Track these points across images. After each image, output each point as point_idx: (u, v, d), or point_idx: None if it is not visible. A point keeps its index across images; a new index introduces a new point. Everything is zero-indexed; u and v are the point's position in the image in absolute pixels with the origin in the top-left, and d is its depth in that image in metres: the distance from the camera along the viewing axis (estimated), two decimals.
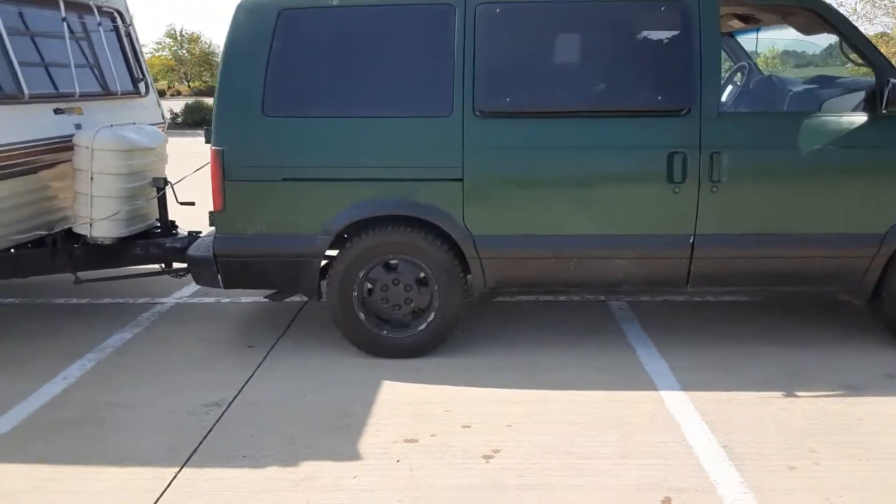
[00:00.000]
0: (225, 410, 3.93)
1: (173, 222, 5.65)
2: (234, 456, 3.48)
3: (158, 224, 5.64)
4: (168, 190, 5.48)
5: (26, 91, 4.97)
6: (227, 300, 5.89)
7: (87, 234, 5.22)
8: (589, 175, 4.36)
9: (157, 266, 5.53)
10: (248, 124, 4.39)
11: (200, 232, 5.56)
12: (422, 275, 4.50)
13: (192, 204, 5.72)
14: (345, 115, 4.38)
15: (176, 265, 5.51)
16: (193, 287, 6.12)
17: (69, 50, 5.59)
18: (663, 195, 4.31)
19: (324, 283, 4.59)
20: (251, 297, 5.88)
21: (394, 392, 4.16)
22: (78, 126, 5.46)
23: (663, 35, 4.33)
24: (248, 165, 4.41)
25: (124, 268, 5.58)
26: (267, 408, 3.99)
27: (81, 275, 5.31)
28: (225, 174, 4.40)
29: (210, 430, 3.72)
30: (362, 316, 4.56)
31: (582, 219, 4.38)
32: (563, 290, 4.65)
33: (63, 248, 5.24)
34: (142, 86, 6.58)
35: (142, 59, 6.68)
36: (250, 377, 4.37)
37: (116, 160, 5.14)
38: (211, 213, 4.52)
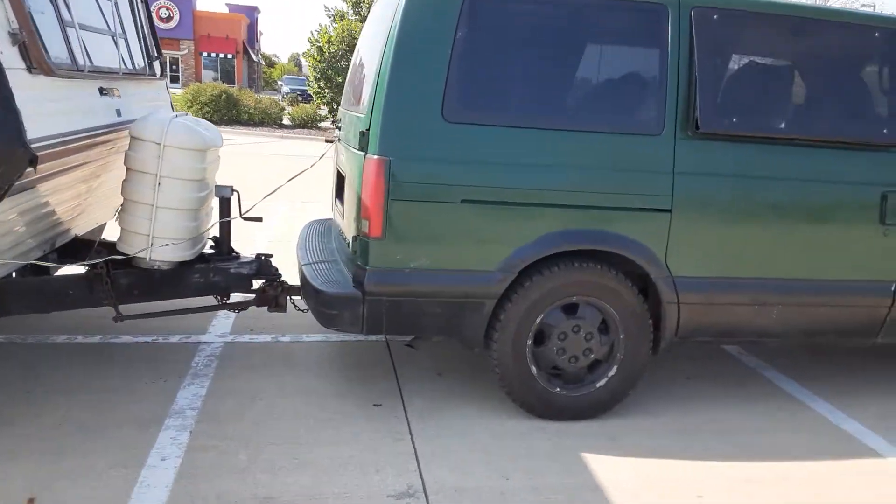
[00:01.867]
0: None
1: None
2: None
3: (213, 245, 4.47)
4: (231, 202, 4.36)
5: (83, 62, 3.69)
6: (285, 338, 4.78)
7: (136, 256, 3.99)
8: (806, 211, 3.87)
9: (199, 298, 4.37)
10: (423, 131, 3.46)
11: (271, 255, 4.47)
12: (603, 321, 3.80)
13: (260, 220, 4.61)
14: (541, 125, 3.57)
15: (236, 296, 4.40)
16: (224, 320, 4.95)
17: (108, 13, 4.29)
18: (874, 237, 3.92)
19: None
20: (314, 335, 4.83)
21: (616, 470, 3.40)
22: (118, 112, 4.20)
23: None
24: (421, 182, 3.47)
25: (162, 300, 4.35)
26: (482, 497, 3.12)
27: (123, 308, 4.05)
28: (390, 192, 3.45)
29: None
30: (534, 370, 3.77)
31: (794, 261, 3.87)
32: (755, 341, 4.12)
33: (106, 275, 3.95)
34: (156, 66, 5.29)
35: (156, 35, 5.38)
36: (415, 451, 3.43)
37: (192, 161, 3.95)
38: (359, 239, 3.54)
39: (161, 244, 3.95)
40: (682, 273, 3.76)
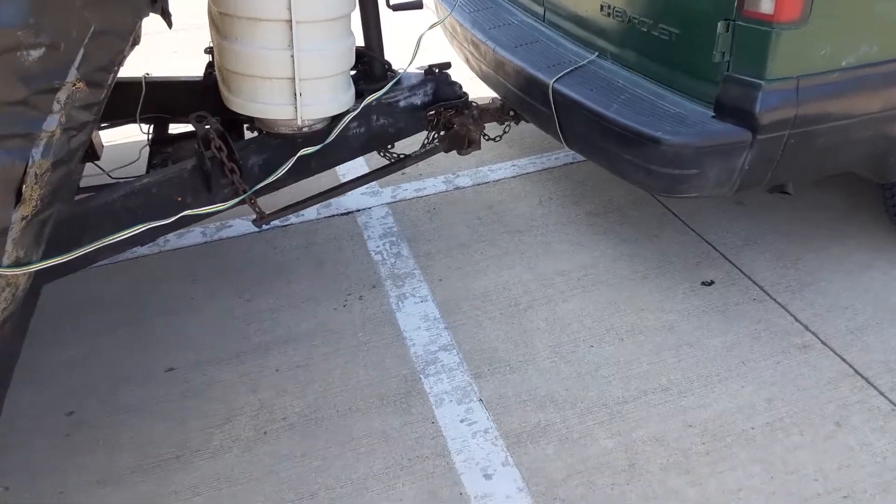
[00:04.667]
0: None
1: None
2: None
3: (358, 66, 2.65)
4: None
5: None
6: (462, 178, 3.21)
7: (270, 122, 2.24)
8: None
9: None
10: None
11: (447, 65, 2.71)
12: None
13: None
14: None
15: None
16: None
17: None
18: None
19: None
20: (499, 164, 3.28)
21: None
22: None
23: None
24: None
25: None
26: None
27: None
28: None
29: None
30: None
31: None
32: None
33: (229, 157, 2.21)
34: None
35: None
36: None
37: None
38: (737, 30, 1.88)
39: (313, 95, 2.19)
40: None
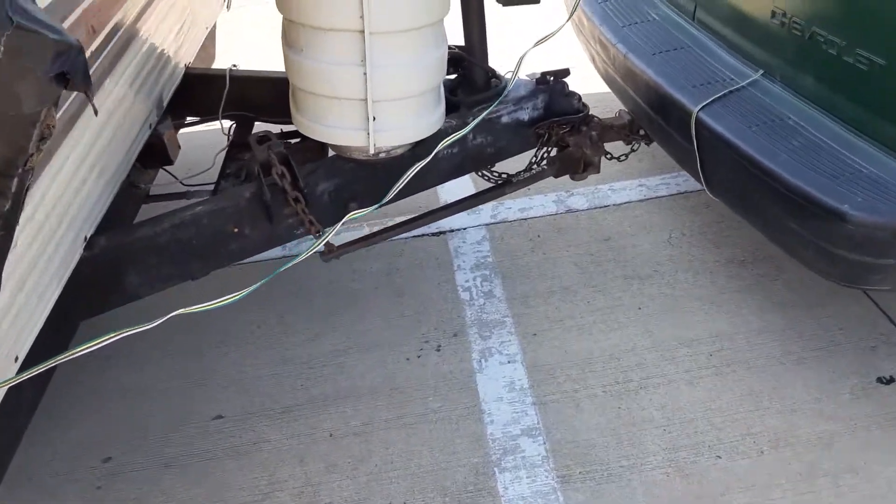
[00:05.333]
0: None
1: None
2: None
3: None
4: None
5: None
6: (578, 199, 2.74)
7: (344, 147, 1.88)
8: None
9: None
10: None
11: (566, 71, 2.22)
12: None
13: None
14: None
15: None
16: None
17: None
18: None
19: None
20: (623, 182, 2.77)
21: None
22: None
23: None
24: None
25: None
26: None
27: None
28: None
29: None
30: None
31: None
32: None
33: (292, 185, 1.89)
34: None
35: None
36: None
37: None
38: None
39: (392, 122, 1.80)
40: None
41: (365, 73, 1.69)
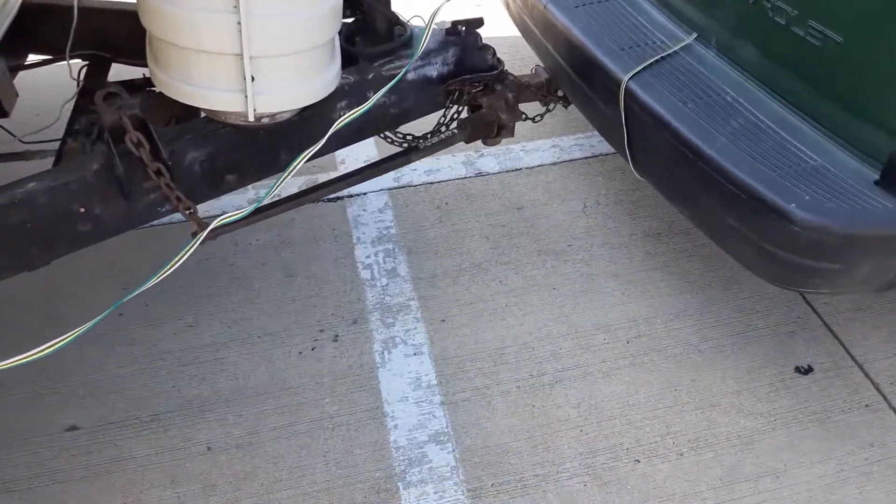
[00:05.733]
0: None
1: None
2: None
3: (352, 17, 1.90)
4: None
5: None
6: (487, 163, 2.50)
7: (220, 112, 1.54)
8: None
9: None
10: None
11: (480, 21, 1.94)
12: None
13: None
14: None
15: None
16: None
17: None
18: None
19: None
20: (536, 141, 2.55)
21: None
22: None
23: None
24: None
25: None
26: None
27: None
28: None
29: None
30: None
31: None
32: None
33: (152, 156, 1.54)
34: None
35: None
36: None
37: None
38: None
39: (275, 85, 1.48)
40: None
41: (239, 23, 1.36)
